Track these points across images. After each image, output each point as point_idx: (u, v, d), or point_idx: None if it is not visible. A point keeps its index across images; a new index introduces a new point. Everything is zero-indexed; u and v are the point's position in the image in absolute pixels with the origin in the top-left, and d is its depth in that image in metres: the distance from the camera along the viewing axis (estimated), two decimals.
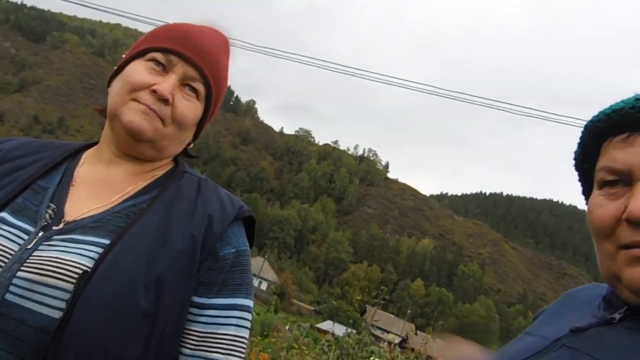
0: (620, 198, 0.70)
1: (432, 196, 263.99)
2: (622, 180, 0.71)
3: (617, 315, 0.71)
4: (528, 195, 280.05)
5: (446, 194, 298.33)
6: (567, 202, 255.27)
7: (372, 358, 8.33)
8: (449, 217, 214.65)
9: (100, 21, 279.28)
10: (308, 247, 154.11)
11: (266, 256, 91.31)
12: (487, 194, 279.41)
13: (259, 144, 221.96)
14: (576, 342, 0.69)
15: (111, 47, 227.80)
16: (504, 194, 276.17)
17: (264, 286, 76.36)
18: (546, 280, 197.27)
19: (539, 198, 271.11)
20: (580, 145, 0.79)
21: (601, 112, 0.74)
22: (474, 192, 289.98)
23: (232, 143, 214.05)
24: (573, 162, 0.81)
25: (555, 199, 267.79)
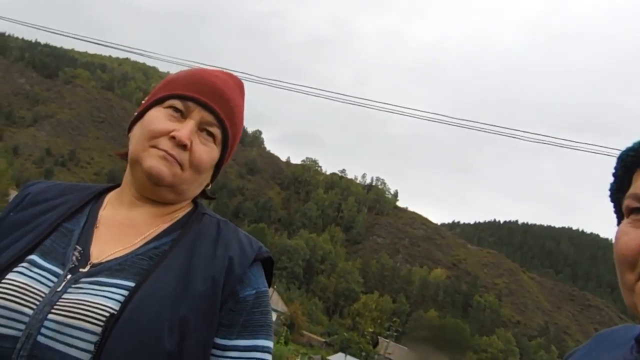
0: None
1: (443, 225, 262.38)
2: None
3: None
4: (545, 224, 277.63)
5: (458, 222, 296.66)
6: (587, 230, 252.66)
7: None
8: (461, 246, 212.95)
9: (110, 56, 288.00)
10: (317, 277, 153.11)
11: (275, 287, 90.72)
12: (501, 222, 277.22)
13: (266, 174, 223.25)
14: None
15: (120, 81, 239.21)
16: (519, 222, 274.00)
17: (273, 317, 75.42)
18: (569, 312, 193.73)
19: (557, 226, 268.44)
20: (614, 175, 0.80)
21: (634, 143, 0.76)
22: (487, 220, 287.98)
23: (239, 173, 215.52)
24: (608, 192, 0.82)
25: (574, 227, 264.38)
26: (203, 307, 0.93)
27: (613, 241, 0.74)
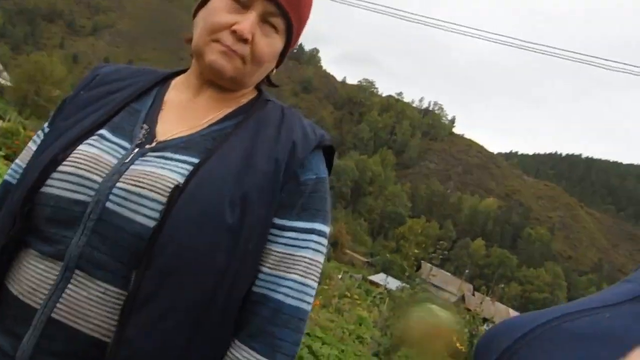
0: None
1: (500, 154, 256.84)
2: None
3: None
4: (611, 159, 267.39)
5: (516, 152, 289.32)
6: None
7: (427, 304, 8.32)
8: (517, 177, 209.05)
9: None
10: (364, 198, 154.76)
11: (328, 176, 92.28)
12: (563, 155, 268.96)
13: (320, 94, 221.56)
14: None
15: None
16: (583, 156, 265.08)
17: None
18: (627, 251, 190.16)
19: (624, 162, 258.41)
20: None
21: None
22: (547, 152, 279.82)
23: (293, 91, 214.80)
24: None
25: None
26: (264, 186, 0.97)
27: None
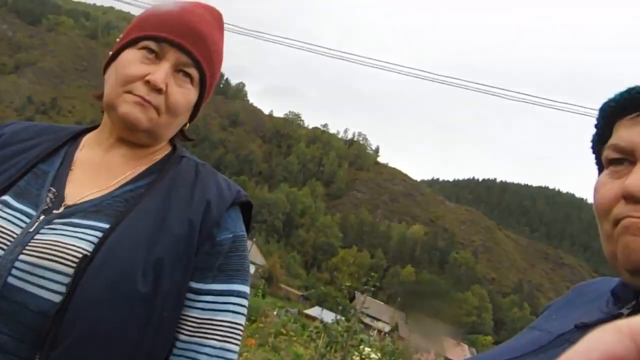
0: (623, 177, 0.71)
1: (423, 181, 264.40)
2: (627, 159, 0.72)
3: (624, 311, 0.70)
4: (523, 182, 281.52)
5: (437, 179, 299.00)
6: (563, 189, 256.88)
7: (361, 346, 8.33)
8: (440, 203, 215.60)
9: (94, 4, 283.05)
10: (296, 231, 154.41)
11: (254, 239, 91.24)
12: (480, 179, 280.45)
13: (249, 127, 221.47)
14: (581, 338, 0.58)
15: (104, 30, 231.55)
16: (498, 180, 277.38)
17: (252, 270, 76.32)
18: (543, 270, 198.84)
19: (534, 185, 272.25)
20: (595, 126, 0.81)
21: (615, 94, 0.76)
22: (466, 177, 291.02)
23: (221, 125, 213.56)
24: (590, 144, 0.82)
25: (551, 186, 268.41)
26: (179, 249, 0.92)
27: (592, 192, 0.75)
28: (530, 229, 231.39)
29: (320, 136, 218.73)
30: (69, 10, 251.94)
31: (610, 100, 0.77)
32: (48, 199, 0.95)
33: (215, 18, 1.08)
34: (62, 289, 0.83)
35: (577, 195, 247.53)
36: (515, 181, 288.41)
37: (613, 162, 0.74)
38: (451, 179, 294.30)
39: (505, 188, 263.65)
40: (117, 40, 1.06)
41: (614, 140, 0.74)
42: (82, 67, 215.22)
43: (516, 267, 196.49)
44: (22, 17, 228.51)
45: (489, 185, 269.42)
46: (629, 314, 0.69)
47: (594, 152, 0.82)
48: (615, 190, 0.71)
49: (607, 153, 0.75)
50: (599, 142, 0.80)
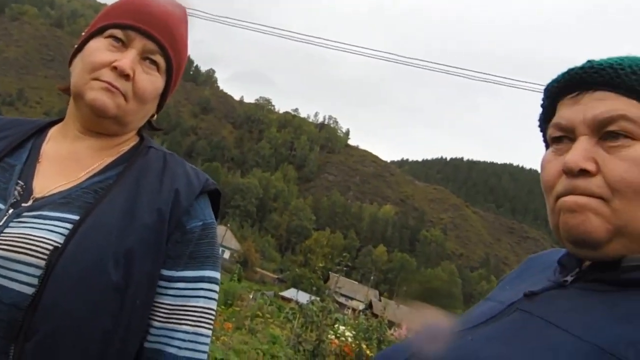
0: (565, 153, 0.73)
1: (392, 162, 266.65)
2: (568, 137, 0.74)
3: (569, 278, 0.73)
4: (489, 160, 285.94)
5: (407, 159, 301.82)
6: (527, 166, 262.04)
7: (336, 325, 8.44)
8: (410, 182, 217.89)
9: None
10: (270, 215, 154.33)
11: (228, 225, 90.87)
12: (448, 159, 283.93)
13: (219, 113, 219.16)
14: (529, 306, 0.71)
15: (69, 18, 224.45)
16: (465, 159, 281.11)
17: (226, 255, 76.15)
18: (508, 244, 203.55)
19: (499, 162, 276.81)
20: (541, 106, 0.83)
21: (558, 75, 0.78)
22: (434, 157, 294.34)
23: (192, 112, 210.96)
24: (537, 123, 0.85)
25: (515, 163, 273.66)
26: (149, 239, 0.92)
27: (540, 169, 0.74)
28: (496, 205, 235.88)
29: (291, 121, 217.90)
30: None
31: (554, 81, 0.78)
32: (16, 192, 0.94)
33: (180, 11, 1.08)
34: (34, 281, 0.83)
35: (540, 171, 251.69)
36: (482, 159, 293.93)
37: (555, 140, 0.76)
38: (420, 159, 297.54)
39: (472, 166, 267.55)
40: (83, 33, 1.05)
41: (556, 119, 0.76)
42: (48, 57, 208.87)
43: (483, 242, 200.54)
44: None
45: (457, 164, 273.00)
46: (573, 281, 0.73)
47: (541, 131, 0.84)
48: (557, 167, 0.73)
49: (551, 132, 0.77)
50: (545, 121, 0.82)
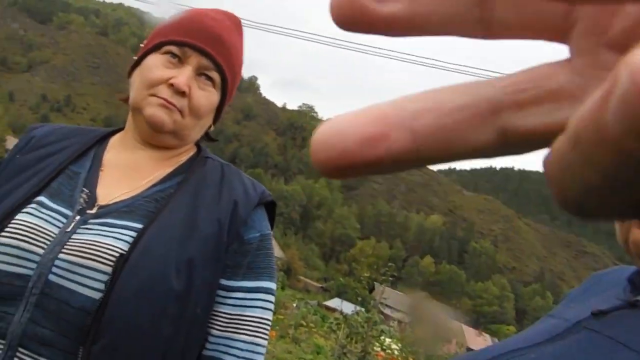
0: None
1: (440, 171, 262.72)
2: None
3: None
4: (542, 170, 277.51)
5: (454, 169, 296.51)
6: None
7: (382, 337, 8.30)
8: (458, 192, 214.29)
9: (104, 1, 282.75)
10: (314, 222, 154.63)
11: (272, 232, 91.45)
12: (498, 168, 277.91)
13: (262, 120, 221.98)
14: (597, 325, 0.69)
15: (114, 27, 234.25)
16: (516, 168, 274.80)
17: None
18: (564, 258, 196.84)
19: None
20: None
21: None
22: (483, 166, 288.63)
23: (235, 119, 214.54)
24: None
25: None
26: (209, 248, 0.95)
27: None
28: (550, 217, 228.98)
29: None
30: (78, 8, 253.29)
31: None
32: (82, 200, 0.98)
33: (235, 23, 1.12)
34: (101, 286, 0.87)
35: None
36: (534, 169, 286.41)
37: None
38: (468, 168, 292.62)
39: (524, 176, 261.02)
40: (141, 46, 1.10)
41: None
42: (94, 65, 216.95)
43: (536, 255, 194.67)
44: (32, 15, 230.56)
45: (507, 173, 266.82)
46: None
47: None
48: None
49: None
50: None
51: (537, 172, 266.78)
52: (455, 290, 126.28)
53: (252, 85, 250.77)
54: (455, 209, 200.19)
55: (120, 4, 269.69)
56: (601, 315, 0.71)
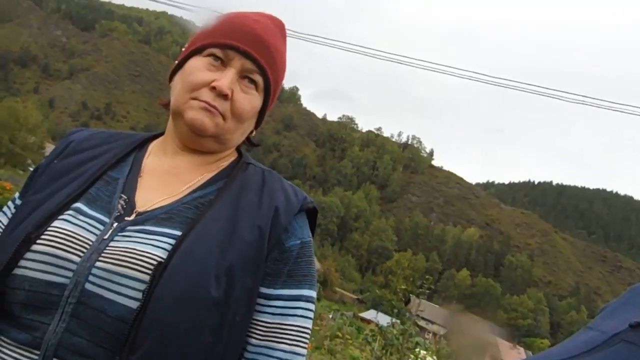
0: None
1: (478, 184, 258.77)
2: None
3: None
4: (579, 185, 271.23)
5: (492, 182, 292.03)
6: (622, 192, 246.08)
7: (417, 349, 8.17)
8: (495, 206, 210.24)
9: (147, 9, 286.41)
10: (351, 234, 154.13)
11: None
12: (536, 182, 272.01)
13: (302, 131, 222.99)
14: (635, 337, 0.68)
15: (157, 35, 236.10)
16: (554, 183, 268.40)
17: None
18: (600, 273, 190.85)
19: (591, 187, 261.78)
20: None
21: None
22: (521, 180, 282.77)
23: (275, 129, 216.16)
24: None
25: (609, 189, 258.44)
26: (249, 255, 0.92)
27: None
28: (588, 231, 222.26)
29: (374, 139, 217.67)
30: (121, 16, 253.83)
31: None
32: (119, 206, 0.95)
33: (278, 26, 1.09)
34: (139, 295, 0.84)
35: (636, 197, 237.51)
36: (572, 184, 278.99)
37: None
38: (506, 182, 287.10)
39: (562, 190, 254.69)
40: (182, 49, 1.06)
41: None
42: (135, 73, 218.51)
43: (573, 270, 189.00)
44: (75, 23, 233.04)
45: (545, 187, 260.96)
46: None
47: None
48: None
49: None
50: None
51: (574, 187, 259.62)
52: (491, 303, 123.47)
53: (293, 95, 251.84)
54: (492, 222, 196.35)
55: (164, 12, 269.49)
56: (639, 328, 0.69)
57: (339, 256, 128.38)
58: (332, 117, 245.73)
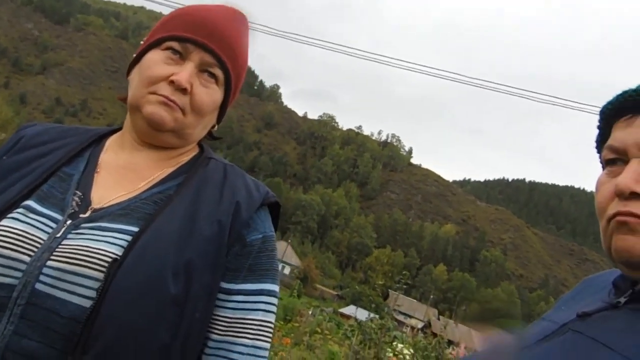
0: (618, 176, 0.72)
1: (455, 182, 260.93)
2: (622, 159, 0.73)
3: (622, 299, 0.72)
4: (550, 182, 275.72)
5: (469, 180, 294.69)
6: (588, 188, 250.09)
7: (394, 343, 8.20)
8: (471, 202, 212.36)
9: (124, 4, 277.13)
10: (331, 231, 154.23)
11: (289, 240, 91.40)
12: (510, 180, 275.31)
13: (283, 129, 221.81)
14: (581, 326, 0.70)
15: (134, 30, 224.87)
16: (526, 180, 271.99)
17: (287, 270, 76.41)
18: (567, 266, 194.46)
19: (560, 185, 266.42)
20: (597, 128, 0.82)
21: (613, 97, 0.77)
22: (496, 178, 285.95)
23: (255, 127, 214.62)
24: (594, 145, 0.83)
25: (577, 186, 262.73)
26: (209, 251, 0.89)
27: (594, 191, 0.76)
28: (557, 226, 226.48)
29: (354, 138, 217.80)
30: (98, 10, 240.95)
31: (608, 103, 0.78)
32: (74, 203, 0.91)
33: (240, 19, 1.04)
34: (92, 293, 0.80)
35: None
36: (543, 181, 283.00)
37: (609, 162, 0.75)
38: (482, 180, 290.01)
39: (534, 188, 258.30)
40: (142, 42, 1.02)
41: (609, 141, 0.76)
42: (112, 68, 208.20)
43: (543, 263, 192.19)
44: (48, 16, 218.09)
45: (518, 185, 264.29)
46: (626, 302, 0.71)
47: (597, 153, 0.82)
48: (610, 189, 0.73)
49: (604, 154, 0.76)
50: (601, 143, 0.80)
51: (545, 184, 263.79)
52: (466, 297, 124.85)
53: (273, 93, 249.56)
54: (469, 218, 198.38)
55: (142, 7, 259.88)
56: (586, 317, 0.71)
57: (320, 253, 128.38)
58: (313, 115, 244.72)
